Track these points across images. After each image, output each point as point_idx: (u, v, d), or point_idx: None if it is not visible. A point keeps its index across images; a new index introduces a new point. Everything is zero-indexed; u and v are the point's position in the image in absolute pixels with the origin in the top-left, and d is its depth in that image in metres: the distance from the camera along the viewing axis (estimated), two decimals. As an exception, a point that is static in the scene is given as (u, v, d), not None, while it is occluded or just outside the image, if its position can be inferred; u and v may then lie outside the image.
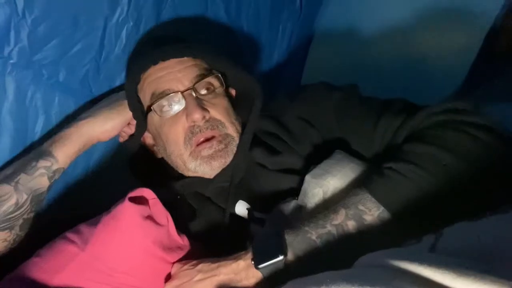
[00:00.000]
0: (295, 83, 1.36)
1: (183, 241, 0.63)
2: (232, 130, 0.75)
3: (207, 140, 0.72)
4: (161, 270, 0.61)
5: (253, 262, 0.55)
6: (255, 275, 0.55)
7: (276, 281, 0.52)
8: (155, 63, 0.74)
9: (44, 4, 0.64)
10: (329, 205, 0.58)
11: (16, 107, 0.67)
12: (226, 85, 0.80)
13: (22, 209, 0.63)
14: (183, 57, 0.75)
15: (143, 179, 0.82)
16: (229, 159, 0.73)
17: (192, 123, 0.72)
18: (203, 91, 0.75)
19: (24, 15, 0.63)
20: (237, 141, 0.74)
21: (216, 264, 0.58)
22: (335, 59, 1.30)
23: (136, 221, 0.59)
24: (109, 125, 0.73)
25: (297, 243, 0.55)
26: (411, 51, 1.17)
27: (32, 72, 0.67)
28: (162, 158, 0.80)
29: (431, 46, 1.15)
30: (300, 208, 0.64)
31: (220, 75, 0.77)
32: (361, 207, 0.55)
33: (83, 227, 0.62)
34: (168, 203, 0.63)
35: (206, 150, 0.72)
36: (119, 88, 0.81)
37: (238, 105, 0.81)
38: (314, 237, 0.55)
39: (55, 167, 0.67)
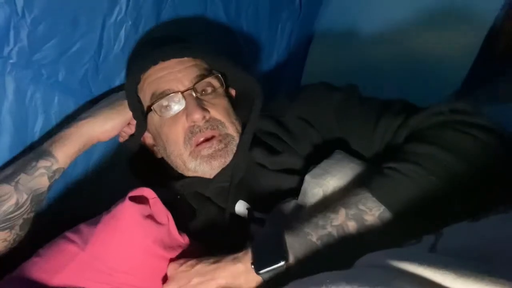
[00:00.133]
0: (295, 83, 1.36)
1: (184, 240, 0.63)
2: (232, 130, 0.75)
3: (207, 140, 0.72)
4: (161, 269, 0.61)
5: (253, 267, 0.54)
6: (255, 279, 0.54)
7: (276, 283, 0.51)
8: (156, 63, 0.74)
9: (43, 3, 0.64)
10: (329, 205, 0.58)
11: (15, 107, 0.67)
12: (226, 85, 0.80)
13: (22, 209, 0.63)
14: (183, 57, 0.75)
15: (143, 179, 0.82)
16: (229, 158, 0.73)
17: (192, 123, 0.72)
18: (203, 91, 0.75)
19: (23, 14, 0.62)
20: (237, 141, 0.74)
21: (214, 266, 0.57)
22: (335, 59, 1.30)
23: (137, 221, 0.59)
24: (109, 125, 0.73)
25: (297, 246, 0.54)
26: (411, 52, 1.17)
27: (32, 72, 0.67)
28: (162, 158, 0.80)
29: (431, 46, 1.15)
30: (300, 208, 0.64)
31: (220, 75, 0.77)
32: (361, 207, 0.55)
33: (83, 227, 0.62)
34: (168, 203, 0.63)
35: (206, 150, 0.72)
36: (119, 88, 0.81)
37: (238, 105, 0.81)
38: (314, 239, 0.54)
39: (55, 167, 0.67)
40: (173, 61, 0.74)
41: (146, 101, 0.76)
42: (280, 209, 0.65)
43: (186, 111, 0.72)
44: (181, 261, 0.61)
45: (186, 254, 0.63)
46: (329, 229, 0.55)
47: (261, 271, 0.53)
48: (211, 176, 0.74)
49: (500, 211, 0.45)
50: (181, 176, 0.77)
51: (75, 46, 0.71)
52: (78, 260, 0.58)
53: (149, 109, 0.75)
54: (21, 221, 0.64)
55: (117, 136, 0.79)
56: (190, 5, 0.89)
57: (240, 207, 0.71)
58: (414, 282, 0.37)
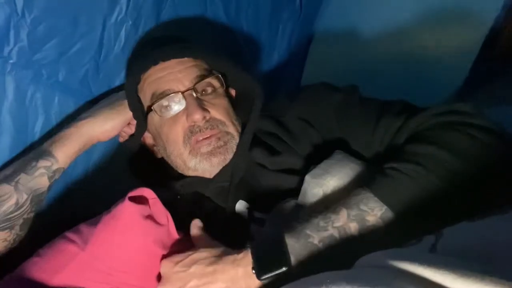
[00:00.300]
0: (295, 83, 1.36)
1: (183, 241, 0.63)
2: (232, 129, 0.75)
3: (206, 138, 0.72)
4: (161, 270, 0.61)
5: (253, 271, 0.53)
6: (255, 284, 0.53)
7: (276, 284, 0.51)
8: (156, 63, 0.74)
9: (43, 3, 0.64)
10: (329, 205, 0.58)
11: (16, 107, 0.67)
12: (226, 85, 0.80)
13: (22, 209, 0.63)
14: (183, 57, 0.75)
15: (143, 179, 0.82)
16: (228, 156, 0.73)
17: (192, 123, 0.72)
18: (204, 92, 0.75)
19: (23, 14, 0.62)
20: (237, 140, 0.74)
21: (212, 268, 0.55)
22: (335, 59, 1.30)
23: (136, 221, 0.59)
24: (109, 125, 0.73)
25: (299, 249, 0.53)
26: (411, 52, 1.17)
27: (32, 72, 0.67)
28: (162, 158, 0.80)
29: (431, 46, 1.15)
30: (300, 208, 0.63)
31: (220, 75, 0.77)
32: (363, 207, 0.55)
33: (83, 227, 0.62)
34: (168, 203, 0.63)
35: (205, 147, 0.72)
36: (119, 88, 0.81)
37: (238, 105, 0.81)
38: (316, 242, 0.54)
39: (55, 167, 0.67)
40: (173, 61, 0.74)
41: (146, 101, 0.76)
42: (280, 209, 0.65)
43: (186, 111, 0.72)
44: (176, 258, 0.59)
45: (181, 248, 0.62)
46: (331, 230, 0.54)
47: (263, 278, 0.52)
48: (211, 176, 0.74)
49: (500, 211, 0.45)
50: (181, 176, 0.77)
51: (76, 46, 0.71)
52: (78, 260, 0.58)
53: (149, 109, 0.75)
54: (21, 221, 0.64)
55: (117, 136, 0.79)
56: (190, 5, 0.89)
57: (240, 207, 0.71)
58: (414, 282, 0.37)
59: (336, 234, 0.54)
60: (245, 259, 0.55)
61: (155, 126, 0.76)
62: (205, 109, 0.72)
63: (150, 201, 0.62)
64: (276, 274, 0.52)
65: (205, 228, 0.71)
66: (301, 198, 0.64)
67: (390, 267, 0.40)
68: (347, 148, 0.70)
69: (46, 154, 0.67)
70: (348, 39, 1.27)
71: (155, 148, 0.81)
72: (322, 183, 0.62)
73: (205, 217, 0.72)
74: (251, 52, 1.11)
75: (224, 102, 0.76)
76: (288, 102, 0.78)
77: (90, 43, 0.73)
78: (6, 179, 0.64)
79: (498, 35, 1.09)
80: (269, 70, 1.20)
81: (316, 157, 0.68)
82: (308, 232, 0.54)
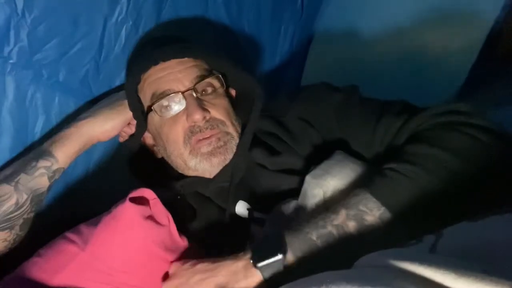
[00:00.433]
0: (295, 83, 1.36)
1: (184, 241, 0.63)
2: (232, 129, 0.75)
3: (206, 138, 0.72)
4: (161, 270, 0.61)
5: (251, 261, 0.55)
6: (254, 275, 0.54)
7: (276, 284, 0.51)
8: (156, 63, 0.74)
9: (43, 3, 0.64)
10: (329, 205, 0.58)
11: (16, 107, 0.67)
12: (226, 86, 0.80)
13: (22, 209, 0.63)
14: (184, 57, 0.75)
15: (143, 179, 0.82)
16: (228, 156, 0.73)
17: (192, 123, 0.72)
18: (204, 92, 0.75)
19: (23, 14, 0.63)
20: (237, 140, 0.74)
21: (215, 265, 0.57)
22: (335, 59, 1.30)
23: (137, 221, 0.59)
24: (109, 125, 0.73)
25: (297, 244, 0.55)
26: (411, 52, 1.17)
27: (32, 72, 0.67)
28: (162, 158, 0.80)
29: (431, 46, 1.15)
30: (300, 209, 0.64)
31: (220, 75, 0.77)
32: (362, 208, 0.55)
33: (83, 227, 0.62)
34: (168, 203, 0.63)
35: (205, 147, 0.72)
36: (119, 88, 0.81)
37: (238, 105, 0.81)
38: (314, 238, 0.55)
39: (55, 167, 0.67)
40: (173, 61, 0.74)
41: (146, 101, 0.76)
42: (280, 210, 0.65)
43: (186, 111, 0.72)
44: (183, 261, 0.61)
45: (186, 255, 0.63)
46: (329, 228, 0.55)
47: (259, 264, 0.53)
48: (211, 176, 0.74)
49: (500, 211, 0.45)
50: (181, 176, 0.77)
51: (76, 46, 0.71)
52: (78, 260, 0.58)
53: (149, 109, 0.75)
54: (21, 221, 0.64)
55: (117, 136, 0.79)
56: (190, 5, 0.89)
57: (240, 207, 0.71)
58: (415, 282, 0.37)
59: (334, 231, 0.54)
60: (246, 255, 0.57)
61: (155, 126, 0.76)
62: (205, 109, 0.72)
63: (151, 202, 0.62)
64: (273, 263, 0.53)
65: (205, 229, 0.71)
66: (301, 199, 0.64)
67: (390, 267, 0.40)
68: (347, 148, 0.70)
69: (46, 154, 0.67)
70: (348, 39, 1.27)
71: (155, 148, 0.81)
72: (322, 183, 0.62)
73: (205, 217, 0.72)
74: (252, 53, 1.11)
75: (224, 102, 0.76)
76: (288, 102, 0.78)
77: (90, 43, 0.73)
78: (6, 179, 0.64)
79: (498, 36, 1.09)
80: (271, 70, 1.20)
81: (316, 157, 0.68)
82: (306, 229, 0.56)
